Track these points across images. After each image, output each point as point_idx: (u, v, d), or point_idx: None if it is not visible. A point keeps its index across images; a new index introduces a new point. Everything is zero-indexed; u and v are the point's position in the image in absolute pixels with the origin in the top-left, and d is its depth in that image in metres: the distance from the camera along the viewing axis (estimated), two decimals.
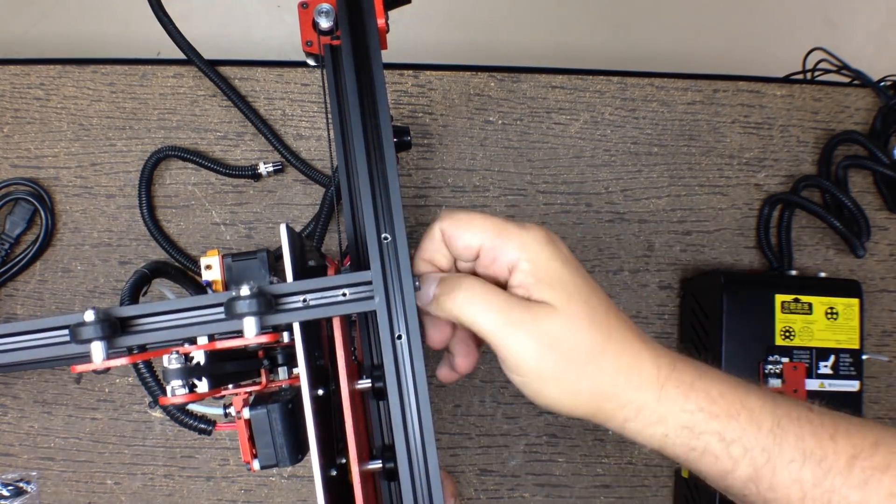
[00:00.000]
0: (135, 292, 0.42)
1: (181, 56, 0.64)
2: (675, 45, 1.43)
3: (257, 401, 0.43)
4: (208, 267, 0.54)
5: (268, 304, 0.35)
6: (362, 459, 0.42)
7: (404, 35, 1.34)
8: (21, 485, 0.63)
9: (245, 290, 0.35)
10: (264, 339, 0.36)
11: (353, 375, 0.43)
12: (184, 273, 0.49)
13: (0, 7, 1.34)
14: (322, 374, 0.45)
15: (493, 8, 1.42)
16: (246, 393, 0.45)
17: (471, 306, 0.39)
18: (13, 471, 0.63)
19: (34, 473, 0.63)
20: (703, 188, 0.70)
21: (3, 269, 0.63)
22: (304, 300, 0.37)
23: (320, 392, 0.43)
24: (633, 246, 0.69)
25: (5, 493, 0.62)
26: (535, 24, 1.42)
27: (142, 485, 0.64)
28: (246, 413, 0.42)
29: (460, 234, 0.41)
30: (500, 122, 0.68)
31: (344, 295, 0.37)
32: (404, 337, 0.37)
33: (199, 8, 1.37)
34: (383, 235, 0.38)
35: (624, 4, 1.44)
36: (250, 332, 0.35)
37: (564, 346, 0.39)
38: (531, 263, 0.39)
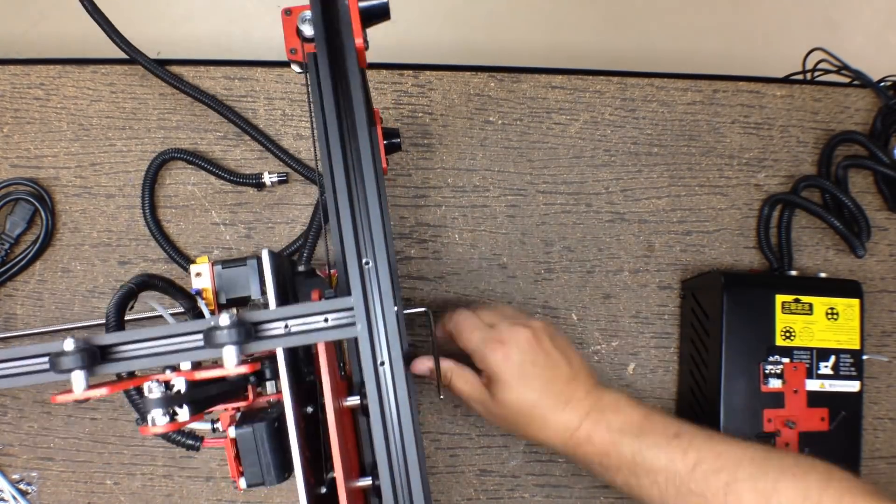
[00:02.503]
0: (120, 308, 0.41)
1: (183, 56, 0.64)
2: (675, 45, 1.43)
3: (244, 418, 0.42)
4: (198, 274, 0.53)
5: (247, 333, 0.34)
6: (351, 476, 0.41)
7: (404, 35, 1.34)
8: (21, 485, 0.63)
9: (224, 320, 0.34)
10: (244, 369, 0.35)
11: (342, 393, 0.43)
12: (172, 284, 0.48)
13: (0, 7, 1.33)
14: (311, 390, 0.44)
15: (493, 8, 1.42)
16: (233, 409, 0.44)
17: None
18: (13, 471, 0.63)
19: (34, 474, 0.63)
20: (703, 188, 0.70)
21: (3, 269, 0.63)
22: (286, 326, 0.35)
23: (309, 410, 0.42)
24: (633, 246, 0.69)
25: (5, 494, 0.62)
26: (535, 24, 1.42)
27: (141, 485, 0.64)
28: (232, 432, 0.41)
29: (457, 338, 0.56)
30: (500, 122, 0.68)
31: (326, 321, 0.36)
32: (387, 364, 0.36)
33: (200, 8, 1.36)
34: (364, 260, 0.36)
35: (624, 4, 1.44)
36: (230, 363, 0.34)
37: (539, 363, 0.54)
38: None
